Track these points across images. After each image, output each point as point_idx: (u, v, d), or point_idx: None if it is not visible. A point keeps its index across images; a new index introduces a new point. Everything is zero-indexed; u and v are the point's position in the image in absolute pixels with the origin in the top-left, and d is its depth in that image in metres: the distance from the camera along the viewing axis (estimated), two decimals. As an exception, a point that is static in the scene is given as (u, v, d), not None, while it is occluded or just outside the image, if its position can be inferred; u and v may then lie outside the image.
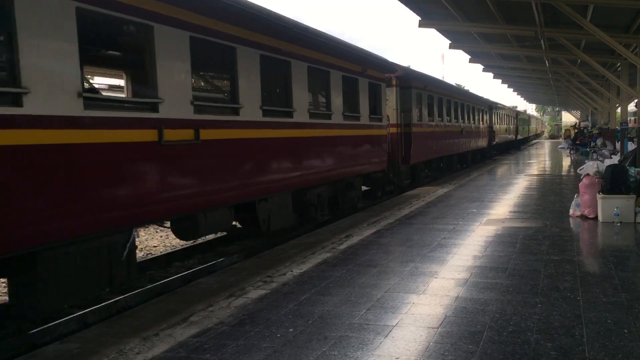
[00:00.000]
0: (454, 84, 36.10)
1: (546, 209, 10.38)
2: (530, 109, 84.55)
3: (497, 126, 33.59)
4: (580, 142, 32.24)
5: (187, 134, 6.51)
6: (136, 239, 8.66)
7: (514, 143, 43.33)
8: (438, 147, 18.90)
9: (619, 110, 24.85)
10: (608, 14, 13.27)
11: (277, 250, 7.61)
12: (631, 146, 17.98)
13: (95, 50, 7.95)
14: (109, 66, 8.64)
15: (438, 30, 17.14)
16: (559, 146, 41.64)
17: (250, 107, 7.77)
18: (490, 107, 31.18)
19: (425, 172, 18.54)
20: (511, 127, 41.40)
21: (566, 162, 25.52)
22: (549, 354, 3.75)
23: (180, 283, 7.29)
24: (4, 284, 7.80)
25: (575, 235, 8.14)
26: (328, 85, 10.34)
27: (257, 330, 4.37)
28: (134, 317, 4.91)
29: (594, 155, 22.97)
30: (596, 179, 9.23)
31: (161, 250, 9.96)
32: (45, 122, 4.83)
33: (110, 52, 8.12)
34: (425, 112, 16.96)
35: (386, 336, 4.16)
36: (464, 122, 23.22)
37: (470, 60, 23.32)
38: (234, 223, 8.66)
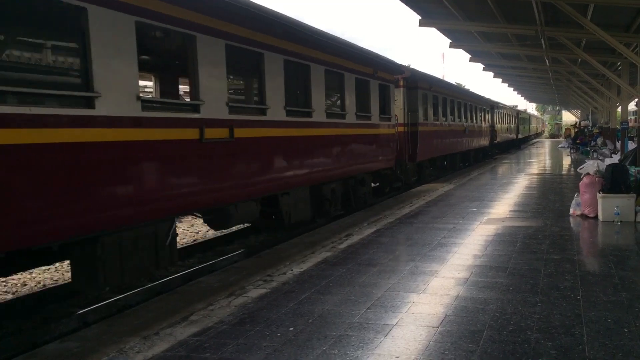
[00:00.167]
0: (455, 83, 36.11)
1: (546, 208, 10.38)
2: (531, 108, 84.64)
3: (499, 125, 33.90)
4: (580, 141, 32.22)
5: (223, 133, 7.11)
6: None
7: (515, 142, 43.47)
8: (442, 146, 19.37)
9: (619, 109, 24.86)
10: (608, 13, 13.26)
11: (277, 250, 7.62)
12: (631, 145, 17.98)
13: (149, 57, 8.51)
14: (160, 71, 9.33)
15: (438, 29, 17.14)
16: (559, 145, 41.64)
17: (276, 107, 8.40)
18: (492, 106, 31.48)
19: (429, 170, 19.02)
20: (512, 126, 41.58)
21: (566, 161, 25.51)
22: (549, 353, 3.75)
23: (181, 282, 7.30)
24: (3, 283, 7.82)
25: (576, 234, 8.14)
26: (342, 86, 10.90)
27: (257, 329, 4.37)
28: (134, 316, 4.91)
29: (594, 155, 22.95)
30: (596, 178, 9.23)
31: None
32: (113, 122, 5.48)
33: (162, 58, 8.77)
34: (430, 111, 17.44)
35: (386, 335, 4.16)
36: (466, 122, 23.64)
37: (471, 60, 23.32)
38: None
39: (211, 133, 6.83)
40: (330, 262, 6.57)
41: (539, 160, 27.02)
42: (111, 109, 5.42)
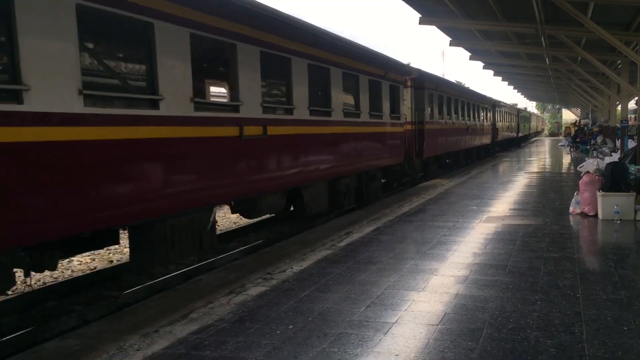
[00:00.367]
0: (455, 82, 36.19)
1: (546, 206, 10.38)
2: (531, 106, 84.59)
3: (500, 124, 34.35)
4: (580, 139, 32.17)
5: (258, 130, 7.86)
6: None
7: (515, 140, 43.65)
8: (447, 143, 19.98)
9: (619, 107, 24.81)
10: (609, 11, 13.24)
11: (277, 248, 7.63)
12: (631, 144, 17.95)
13: (200, 64, 9.23)
14: (207, 76, 10.24)
15: (438, 27, 17.11)
16: (559, 144, 41.64)
17: (301, 107, 9.17)
18: (494, 105, 31.93)
19: (434, 167, 19.59)
20: (513, 124, 41.87)
21: (566, 159, 25.51)
22: (548, 351, 3.75)
23: (180, 280, 7.31)
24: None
25: (575, 232, 8.14)
26: (357, 88, 11.60)
27: (257, 327, 4.37)
28: (133, 314, 4.92)
29: (594, 153, 22.90)
30: (596, 177, 9.23)
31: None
32: (172, 120, 6.21)
33: (209, 64, 9.40)
34: (436, 110, 18.08)
35: (386, 333, 4.16)
36: (469, 120, 24.14)
37: (471, 58, 23.29)
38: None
39: (249, 130, 7.61)
40: (330, 260, 6.57)
41: (539, 158, 27.02)
42: (171, 110, 6.17)
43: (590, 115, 41.08)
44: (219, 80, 10.05)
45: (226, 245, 9.69)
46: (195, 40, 6.58)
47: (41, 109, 4.74)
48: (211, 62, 9.15)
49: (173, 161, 6.27)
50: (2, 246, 4.59)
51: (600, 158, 15.80)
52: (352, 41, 11.32)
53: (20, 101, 4.56)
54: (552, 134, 78.01)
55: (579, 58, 19.55)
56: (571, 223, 8.74)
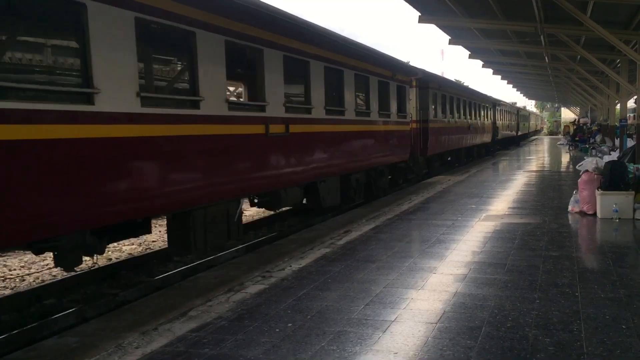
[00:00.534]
0: (454, 80, 36.22)
1: (545, 205, 10.39)
2: (530, 105, 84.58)
3: (500, 122, 34.81)
4: (579, 138, 32.18)
5: (281, 128, 8.52)
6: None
7: (515, 139, 43.81)
8: (449, 141, 20.54)
9: (618, 106, 24.83)
10: (608, 10, 13.24)
11: (276, 246, 7.63)
12: (630, 143, 17.95)
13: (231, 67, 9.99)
14: (239, 79, 11.09)
15: (438, 25, 17.06)
16: (558, 142, 41.64)
17: (318, 107, 9.80)
18: (494, 104, 32.32)
19: (437, 164, 20.16)
20: (513, 123, 42.14)
21: (565, 158, 25.53)
22: (547, 349, 3.76)
23: (179, 278, 7.30)
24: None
25: (574, 231, 8.15)
26: (368, 88, 12.24)
27: (256, 325, 4.37)
28: (132, 312, 4.91)
29: (593, 152, 22.90)
30: (595, 176, 9.23)
31: (160, 245, 9.96)
32: (211, 119, 6.90)
33: (239, 68, 10.03)
34: (439, 109, 18.70)
35: (385, 331, 4.16)
36: (471, 119, 24.63)
37: (470, 56, 23.23)
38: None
39: (274, 128, 8.26)
40: (329, 258, 6.57)
41: (538, 157, 27.03)
42: (209, 109, 6.83)
43: (589, 114, 41.12)
44: (247, 82, 10.64)
45: (225, 243, 9.68)
46: (229, 46, 7.20)
47: (108, 109, 5.39)
48: (241, 66, 9.71)
49: (211, 155, 6.93)
50: (82, 225, 5.28)
51: (599, 157, 15.79)
52: (364, 44, 11.94)
53: (91, 102, 5.20)
54: (551, 133, 78.05)
55: (578, 57, 19.55)
56: (570, 222, 8.74)
